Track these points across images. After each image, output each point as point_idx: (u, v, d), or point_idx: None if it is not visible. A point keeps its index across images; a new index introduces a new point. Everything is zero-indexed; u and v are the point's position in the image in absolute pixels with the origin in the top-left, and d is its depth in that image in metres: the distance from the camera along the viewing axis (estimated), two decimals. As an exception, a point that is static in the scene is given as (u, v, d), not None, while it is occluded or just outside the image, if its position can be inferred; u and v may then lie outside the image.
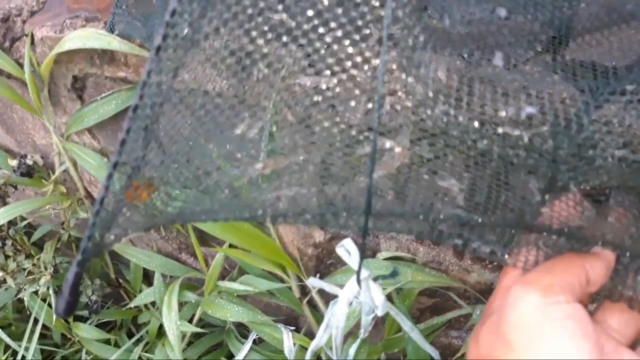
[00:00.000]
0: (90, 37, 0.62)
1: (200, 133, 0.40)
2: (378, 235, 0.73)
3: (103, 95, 0.75)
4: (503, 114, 0.40)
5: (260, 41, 0.39)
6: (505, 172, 0.38)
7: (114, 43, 0.61)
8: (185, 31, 0.34)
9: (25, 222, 1.14)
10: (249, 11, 0.38)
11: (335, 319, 0.53)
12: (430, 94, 0.40)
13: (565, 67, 0.52)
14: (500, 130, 0.38)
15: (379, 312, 0.50)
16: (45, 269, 0.96)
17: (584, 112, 0.36)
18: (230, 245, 0.83)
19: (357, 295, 0.49)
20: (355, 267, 0.48)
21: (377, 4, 0.39)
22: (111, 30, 0.61)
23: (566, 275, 0.32)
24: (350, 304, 0.50)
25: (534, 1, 0.53)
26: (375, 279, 0.50)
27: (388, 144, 0.38)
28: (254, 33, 0.38)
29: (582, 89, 0.47)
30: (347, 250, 0.51)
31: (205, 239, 0.93)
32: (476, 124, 0.39)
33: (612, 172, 0.36)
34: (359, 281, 0.44)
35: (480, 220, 0.32)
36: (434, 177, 0.35)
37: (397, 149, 0.38)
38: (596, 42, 0.49)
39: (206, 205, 0.36)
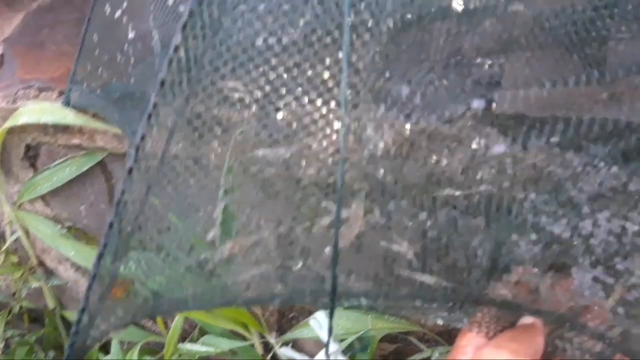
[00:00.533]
0: (44, 111, 0.64)
1: (165, 231, 0.41)
2: (340, 283, 0.75)
3: (56, 162, 0.75)
4: (444, 166, 0.43)
5: (222, 112, 0.41)
6: (451, 236, 0.41)
7: (69, 117, 0.63)
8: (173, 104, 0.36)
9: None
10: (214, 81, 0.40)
11: None
12: (379, 155, 0.44)
13: (495, 119, 0.57)
14: (442, 192, 0.42)
15: None
16: (-4, 343, 0.92)
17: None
18: (191, 306, 0.83)
19: None
20: (324, 337, 0.50)
21: (329, 75, 0.42)
22: (67, 102, 0.63)
23: (529, 344, 0.39)
24: None
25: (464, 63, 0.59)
26: (346, 353, 0.52)
27: (345, 213, 0.41)
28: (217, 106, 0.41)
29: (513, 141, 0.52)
30: (320, 322, 0.53)
31: (164, 300, 0.92)
32: (422, 178, 0.42)
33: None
34: (327, 356, 0.45)
35: (432, 283, 0.35)
36: (389, 242, 0.37)
37: (353, 219, 0.40)
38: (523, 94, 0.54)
39: (180, 295, 0.37)
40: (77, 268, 0.92)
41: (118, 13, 0.58)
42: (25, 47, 0.78)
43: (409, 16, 0.51)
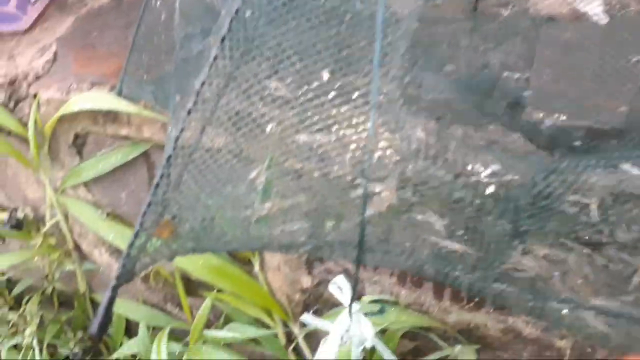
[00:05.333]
0: (99, 99, 0.68)
1: (218, 181, 0.45)
2: (362, 280, 0.78)
3: (103, 151, 0.79)
4: (471, 167, 0.47)
5: (264, 108, 0.46)
6: (479, 215, 0.45)
7: (122, 105, 0.67)
8: (211, 96, 0.41)
9: (5, 277, 1.15)
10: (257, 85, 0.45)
11: (326, 352, 0.57)
12: (412, 150, 0.48)
13: (521, 127, 0.61)
14: (471, 180, 0.46)
15: (368, 344, 0.55)
16: (32, 320, 0.97)
17: (537, 170, 0.44)
18: (219, 291, 0.87)
19: (348, 329, 0.54)
20: (346, 302, 0.53)
21: (364, 75, 0.46)
22: (119, 93, 0.67)
23: None
24: (341, 338, 0.55)
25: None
26: (366, 315, 0.56)
27: (377, 188, 0.45)
28: (259, 102, 0.46)
29: (538, 146, 0.55)
30: (339, 287, 0.56)
31: (191, 288, 0.96)
32: (450, 175, 0.46)
33: (563, 220, 0.43)
34: (350, 313, 0.49)
35: (458, 250, 0.39)
36: (419, 214, 0.41)
37: (385, 193, 0.44)
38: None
39: (220, 240, 0.42)
40: (112, 252, 0.97)
41: (165, 15, 0.62)
42: (77, 47, 0.83)
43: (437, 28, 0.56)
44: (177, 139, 0.38)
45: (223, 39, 0.41)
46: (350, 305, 0.48)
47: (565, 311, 0.45)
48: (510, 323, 0.74)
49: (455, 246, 0.44)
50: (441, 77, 0.62)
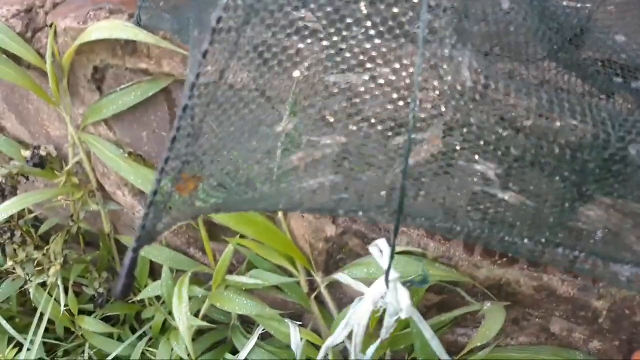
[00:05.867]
0: (116, 27, 0.64)
1: (242, 130, 0.41)
2: (389, 230, 0.75)
3: (122, 86, 0.76)
4: (526, 104, 0.42)
5: (296, 40, 0.41)
6: (537, 164, 0.39)
7: (140, 35, 0.63)
8: (230, 36, 0.36)
9: (32, 215, 1.15)
10: (286, 12, 0.40)
11: (358, 316, 0.54)
12: (458, 89, 0.42)
13: (579, 66, 0.54)
14: (526, 123, 0.40)
15: (403, 315, 0.51)
16: (55, 259, 0.97)
17: (611, 128, 0.38)
18: (241, 237, 0.85)
19: (383, 296, 0.50)
20: (384, 265, 0.49)
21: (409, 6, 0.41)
22: (137, 22, 0.63)
23: None
24: (376, 304, 0.52)
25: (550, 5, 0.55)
26: (404, 284, 0.52)
27: (420, 135, 0.40)
28: (290, 33, 0.41)
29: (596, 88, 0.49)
30: (380, 250, 0.52)
31: (214, 233, 0.94)
32: (500, 117, 0.41)
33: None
34: (387, 281, 0.45)
35: (514, 201, 0.34)
36: (468, 162, 0.36)
37: (430, 139, 0.39)
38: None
39: (247, 196, 0.38)
40: (135, 194, 0.95)
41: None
42: (95, -29, 0.79)
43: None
44: (192, 85, 0.34)
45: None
46: (387, 273, 0.44)
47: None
48: (545, 280, 0.69)
49: (511, 195, 0.39)
50: (490, 5, 0.55)
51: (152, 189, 0.34)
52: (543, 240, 0.35)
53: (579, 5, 0.52)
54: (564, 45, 0.51)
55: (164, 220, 0.34)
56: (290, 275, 0.87)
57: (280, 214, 0.81)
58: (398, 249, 0.73)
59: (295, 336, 0.88)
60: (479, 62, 0.48)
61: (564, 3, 0.53)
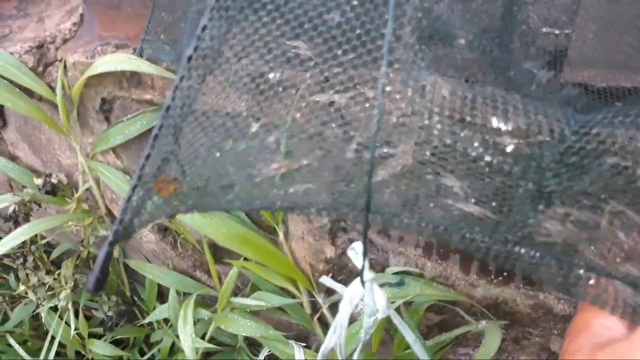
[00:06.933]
0: (121, 60, 0.67)
1: (223, 137, 0.44)
2: (387, 251, 0.76)
3: (129, 116, 0.79)
4: (495, 125, 0.44)
5: (280, 65, 0.44)
6: (501, 178, 0.42)
7: (143, 66, 0.66)
8: (213, 44, 0.39)
9: (44, 241, 1.18)
10: (271, 40, 0.42)
11: (339, 317, 0.56)
12: (434, 110, 0.45)
13: (555, 90, 0.56)
14: (492, 140, 0.42)
15: (380, 315, 0.53)
16: (66, 283, 0.99)
17: (565, 124, 0.40)
18: (245, 260, 0.87)
19: (363, 298, 0.52)
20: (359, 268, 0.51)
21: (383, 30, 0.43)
22: (140, 55, 0.66)
23: None
24: (357, 306, 0.53)
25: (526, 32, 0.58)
26: (381, 286, 0.53)
27: (392, 149, 0.42)
28: (275, 59, 0.43)
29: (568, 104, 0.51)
30: (357, 252, 0.54)
31: (219, 256, 0.96)
32: (473, 136, 0.43)
33: (596, 179, 0.39)
34: (362, 281, 0.47)
35: (477, 213, 0.36)
36: (436, 176, 0.38)
37: (401, 154, 0.42)
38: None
39: (223, 198, 0.40)
40: (142, 219, 0.98)
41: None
42: (102, 8, 0.83)
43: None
44: (176, 88, 0.37)
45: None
46: (361, 272, 0.46)
47: (591, 281, 0.41)
48: (541, 299, 0.70)
49: (475, 209, 0.42)
50: (473, 33, 0.58)
51: (131, 185, 0.36)
52: (502, 241, 0.37)
53: (557, 32, 0.55)
54: (543, 71, 0.53)
55: (141, 217, 0.36)
56: (293, 296, 0.89)
57: (281, 236, 0.83)
58: (396, 269, 0.75)
59: (300, 357, 0.90)
60: (459, 86, 0.50)
61: (544, 30, 0.55)
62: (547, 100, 0.50)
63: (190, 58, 0.36)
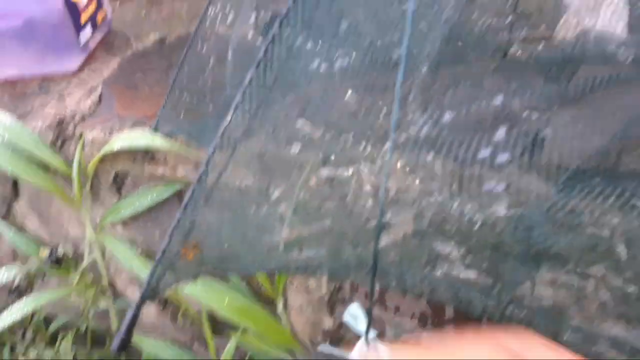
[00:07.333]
0: (136, 137, 0.73)
1: (239, 209, 0.48)
2: (383, 321, 0.78)
3: (140, 190, 0.84)
4: (486, 202, 0.49)
5: (288, 147, 0.50)
6: (493, 244, 0.46)
7: (157, 141, 0.72)
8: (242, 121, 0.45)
9: (42, 315, 1.19)
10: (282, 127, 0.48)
11: None
12: (429, 186, 0.50)
13: (539, 169, 0.62)
14: (483, 216, 0.47)
15: None
16: (66, 358, 0.99)
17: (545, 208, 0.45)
18: (244, 331, 0.88)
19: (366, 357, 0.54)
20: (362, 330, 0.53)
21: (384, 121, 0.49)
22: (156, 129, 0.72)
23: None
24: None
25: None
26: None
27: (394, 219, 0.47)
28: (285, 141, 0.49)
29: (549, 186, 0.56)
30: (353, 315, 0.56)
31: (218, 328, 0.97)
32: (465, 209, 0.48)
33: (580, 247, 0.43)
34: (367, 339, 0.49)
35: (474, 279, 0.40)
36: (434, 244, 0.43)
37: (402, 223, 0.46)
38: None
39: (240, 262, 0.44)
40: (144, 291, 1.00)
41: (210, 58, 0.67)
42: (121, 88, 0.90)
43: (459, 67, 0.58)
44: (209, 159, 0.42)
45: (250, 82, 0.45)
46: (367, 332, 0.49)
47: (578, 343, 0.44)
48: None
49: (471, 275, 0.45)
50: (461, 116, 0.64)
51: (162, 248, 0.40)
52: (496, 303, 0.40)
53: (536, 115, 0.61)
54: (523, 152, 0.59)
55: (167, 279, 0.40)
56: (291, 368, 0.89)
57: (280, 307, 0.85)
58: (393, 339, 0.77)
59: None
60: (449, 164, 0.55)
61: (525, 114, 0.61)
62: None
63: (215, 149, 0.41)
